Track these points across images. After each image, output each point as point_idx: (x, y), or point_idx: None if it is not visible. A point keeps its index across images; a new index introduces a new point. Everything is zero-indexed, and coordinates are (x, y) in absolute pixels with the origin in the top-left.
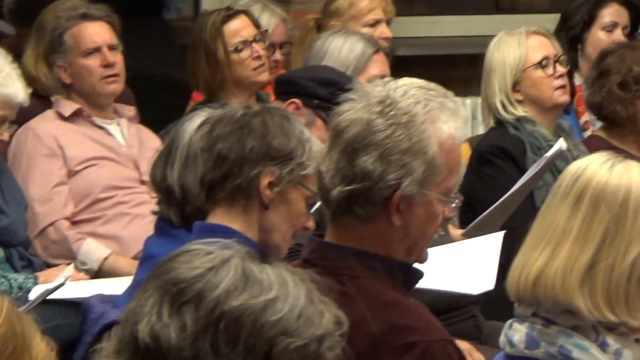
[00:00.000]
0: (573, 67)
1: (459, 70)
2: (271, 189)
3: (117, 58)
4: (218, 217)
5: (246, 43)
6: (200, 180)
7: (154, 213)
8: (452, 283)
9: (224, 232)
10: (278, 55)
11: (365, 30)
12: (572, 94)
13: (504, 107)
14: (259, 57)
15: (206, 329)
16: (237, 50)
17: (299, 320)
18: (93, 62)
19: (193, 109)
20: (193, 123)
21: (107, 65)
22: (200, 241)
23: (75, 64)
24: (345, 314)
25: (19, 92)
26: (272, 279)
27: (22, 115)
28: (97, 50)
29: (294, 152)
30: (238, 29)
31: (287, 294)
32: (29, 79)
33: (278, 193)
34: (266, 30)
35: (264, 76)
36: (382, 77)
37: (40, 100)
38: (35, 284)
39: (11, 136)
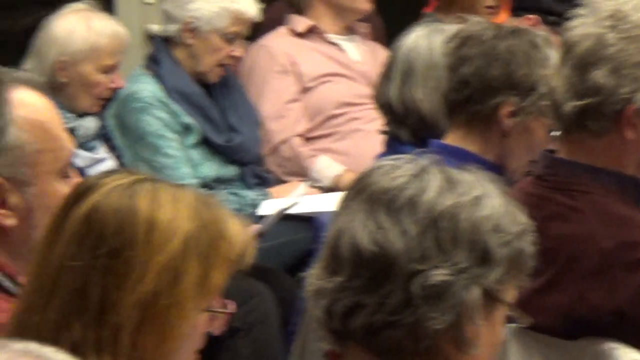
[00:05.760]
0: None
1: None
2: (511, 117)
3: None
4: (456, 138)
5: None
6: (443, 97)
7: (382, 132)
8: None
9: (460, 153)
10: None
11: None
12: None
13: None
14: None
15: (427, 230)
16: None
17: (504, 216)
18: None
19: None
20: (409, 40)
21: None
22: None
23: None
24: (576, 229)
25: (249, 6)
26: (471, 179)
27: None
28: None
29: (537, 83)
30: None
31: (490, 191)
32: None
33: (519, 122)
34: None
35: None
36: None
37: None
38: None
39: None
